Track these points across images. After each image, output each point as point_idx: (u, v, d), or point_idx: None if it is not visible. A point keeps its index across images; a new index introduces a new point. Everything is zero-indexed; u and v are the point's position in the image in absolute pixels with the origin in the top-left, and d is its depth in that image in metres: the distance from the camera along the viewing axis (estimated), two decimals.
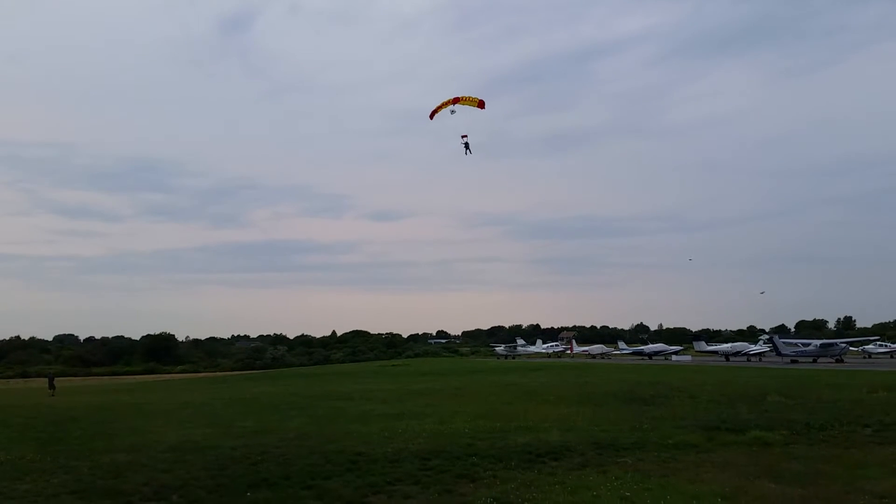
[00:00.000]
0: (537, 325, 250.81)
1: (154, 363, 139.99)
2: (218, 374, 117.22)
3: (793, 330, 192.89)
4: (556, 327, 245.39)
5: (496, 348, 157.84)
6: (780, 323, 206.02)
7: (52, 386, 60.22)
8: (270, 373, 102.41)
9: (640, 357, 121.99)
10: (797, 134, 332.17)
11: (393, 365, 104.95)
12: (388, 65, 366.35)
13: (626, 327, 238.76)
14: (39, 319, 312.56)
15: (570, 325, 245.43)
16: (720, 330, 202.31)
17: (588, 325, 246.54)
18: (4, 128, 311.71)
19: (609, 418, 24.65)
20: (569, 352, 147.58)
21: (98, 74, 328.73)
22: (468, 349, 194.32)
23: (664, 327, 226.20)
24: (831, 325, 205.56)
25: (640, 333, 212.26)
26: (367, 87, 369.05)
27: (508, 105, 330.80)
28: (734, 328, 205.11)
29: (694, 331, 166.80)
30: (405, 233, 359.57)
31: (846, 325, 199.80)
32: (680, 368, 71.60)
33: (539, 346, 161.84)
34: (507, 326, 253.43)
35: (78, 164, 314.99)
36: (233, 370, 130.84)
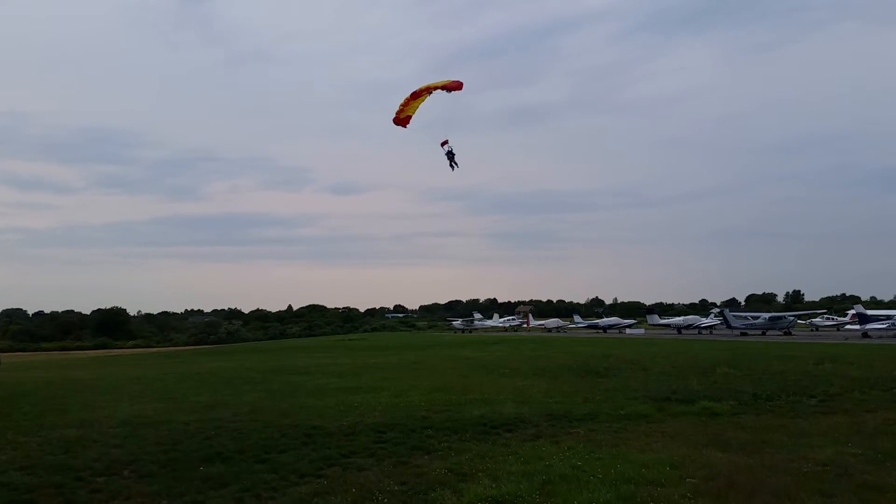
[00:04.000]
0: (494, 300, 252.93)
1: (105, 338, 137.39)
2: (171, 349, 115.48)
3: (743, 303, 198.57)
4: (513, 301, 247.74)
5: (453, 322, 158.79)
6: (730, 297, 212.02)
7: None
8: (225, 348, 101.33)
9: (595, 330, 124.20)
10: (755, 112, 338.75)
11: (350, 339, 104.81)
12: (350, 36, 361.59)
13: (582, 301, 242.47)
14: None
15: (527, 300, 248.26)
16: (673, 304, 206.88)
17: (545, 300, 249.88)
18: None
19: (563, 391, 25.03)
20: (525, 325, 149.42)
21: (52, 42, 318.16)
22: (425, 323, 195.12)
23: (619, 301, 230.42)
24: (780, 298, 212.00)
25: (595, 307, 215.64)
26: (330, 59, 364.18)
27: (472, 79, 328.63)
28: (687, 301, 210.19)
29: (648, 304, 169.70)
30: (365, 207, 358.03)
31: (795, 298, 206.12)
32: (633, 341, 73.10)
33: (496, 321, 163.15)
34: (464, 301, 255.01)
35: (30, 134, 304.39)
36: (186, 345, 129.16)
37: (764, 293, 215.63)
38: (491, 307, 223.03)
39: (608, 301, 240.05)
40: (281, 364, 47.25)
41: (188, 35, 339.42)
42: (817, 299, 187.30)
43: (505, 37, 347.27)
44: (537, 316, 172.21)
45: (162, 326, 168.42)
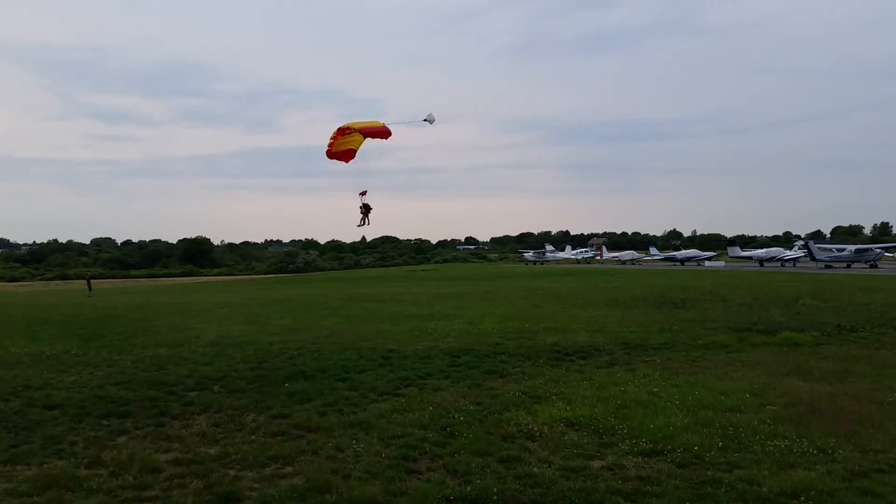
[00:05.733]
0: (567, 232, 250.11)
1: (191, 266, 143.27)
2: (253, 276, 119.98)
3: (828, 236, 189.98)
4: (585, 234, 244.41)
5: (525, 254, 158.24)
6: (815, 229, 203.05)
7: (90, 287, 62.04)
8: (302, 276, 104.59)
9: (673, 263, 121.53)
10: (846, 33, 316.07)
11: (422, 270, 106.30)
12: None
13: (659, 234, 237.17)
14: (77, 223, 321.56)
15: (601, 232, 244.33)
16: (755, 236, 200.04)
17: (619, 232, 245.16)
18: (37, 30, 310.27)
19: (638, 321, 24.78)
20: (598, 258, 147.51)
21: None
22: (496, 255, 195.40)
23: (698, 233, 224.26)
24: (867, 230, 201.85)
25: (672, 240, 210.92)
26: None
27: (548, 2, 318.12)
28: (770, 234, 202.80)
29: (729, 237, 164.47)
30: (438, 138, 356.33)
31: (883, 230, 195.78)
32: (712, 273, 71.37)
33: (568, 252, 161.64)
34: (536, 233, 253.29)
35: (113, 67, 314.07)
36: (266, 274, 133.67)
37: (850, 225, 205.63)
38: (563, 239, 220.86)
39: (686, 233, 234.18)
40: (357, 292, 48.49)
41: None
42: None
43: None
44: (611, 248, 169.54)
45: (244, 255, 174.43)
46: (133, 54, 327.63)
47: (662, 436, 9.59)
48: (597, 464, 8.78)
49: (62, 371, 16.04)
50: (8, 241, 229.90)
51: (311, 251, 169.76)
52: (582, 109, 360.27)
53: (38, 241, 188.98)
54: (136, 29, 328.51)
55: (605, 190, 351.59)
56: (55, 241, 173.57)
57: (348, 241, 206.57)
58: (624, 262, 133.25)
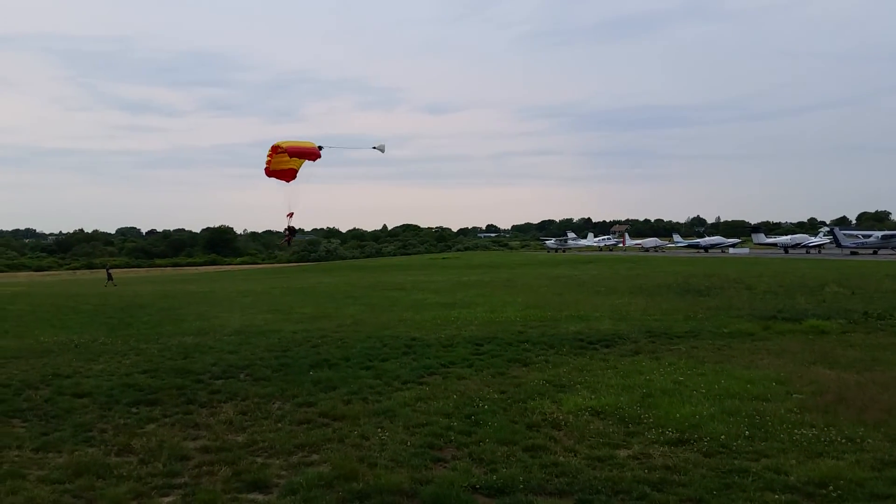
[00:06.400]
0: (589, 219, 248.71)
1: (214, 255, 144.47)
2: (275, 265, 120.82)
3: (854, 222, 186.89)
4: (608, 221, 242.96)
5: (546, 242, 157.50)
6: (841, 215, 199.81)
7: (109, 277, 62.13)
8: (324, 265, 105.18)
9: (696, 250, 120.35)
10: (870, 16, 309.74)
11: (443, 258, 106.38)
12: None
13: (682, 220, 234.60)
14: (102, 213, 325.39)
15: (624, 219, 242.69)
16: (780, 222, 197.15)
17: (642, 219, 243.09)
18: (62, 22, 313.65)
19: (662, 308, 24.63)
20: (621, 245, 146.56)
21: None
22: (518, 243, 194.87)
23: (722, 220, 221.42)
24: (894, 216, 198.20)
25: (696, 226, 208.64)
26: None
27: None
28: (794, 220, 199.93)
29: (753, 223, 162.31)
30: (458, 126, 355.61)
31: None
32: (737, 260, 70.68)
33: (590, 240, 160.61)
34: (557, 220, 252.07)
35: (137, 58, 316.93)
36: (289, 262, 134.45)
37: (877, 211, 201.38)
38: (585, 227, 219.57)
39: (710, 220, 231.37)
40: (378, 280, 48.69)
41: None
42: None
43: None
44: (634, 235, 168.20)
45: (266, 244, 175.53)
46: (157, 45, 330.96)
47: (689, 425, 9.54)
48: (623, 453, 8.76)
49: (90, 360, 16.29)
50: (35, 230, 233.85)
51: (332, 240, 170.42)
52: (604, 96, 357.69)
53: (64, 231, 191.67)
54: (159, 19, 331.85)
55: (627, 177, 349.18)
56: (81, 230, 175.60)
57: (370, 229, 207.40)
58: (647, 250, 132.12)
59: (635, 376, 13.04)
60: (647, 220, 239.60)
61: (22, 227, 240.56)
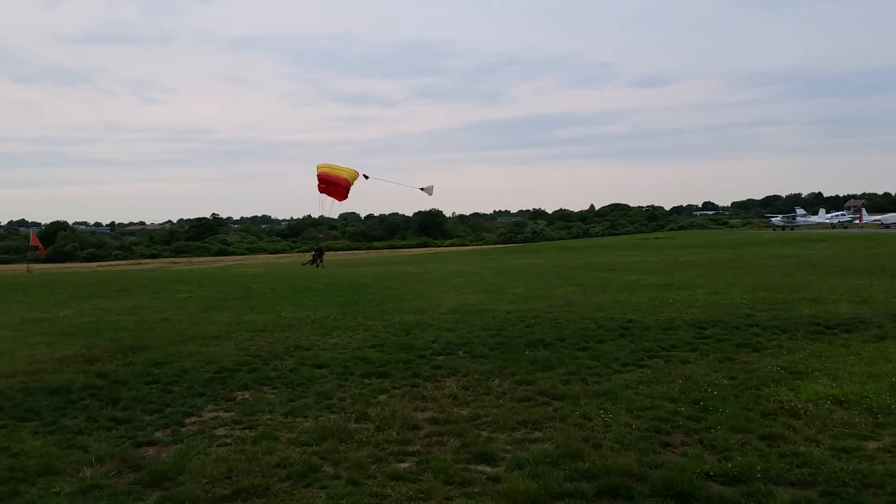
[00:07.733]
0: (819, 194, 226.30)
1: (426, 237, 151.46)
2: (483, 247, 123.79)
3: None
4: (841, 195, 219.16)
5: (772, 219, 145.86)
6: None
7: (314, 258, 59.52)
8: (531, 246, 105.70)
9: None
10: None
11: (655, 238, 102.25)
12: None
13: None
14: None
15: (859, 193, 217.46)
16: None
17: (881, 192, 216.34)
18: (291, 23, 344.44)
19: None
20: (857, 221, 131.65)
21: None
22: (739, 221, 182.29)
23: None
24: None
25: None
26: None
27: None
28: None
29: None
30: (670, 98, 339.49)
31: None
32: None
33: (822, 216, 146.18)
34: (783, 195, 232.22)
35: (357, 52, 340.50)
36: (496, 243, 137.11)
37: None
38: (815, 202, 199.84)
39: None
40: (588, 261, 47.96)
41: None
42: None
43: None
44: (872, 211, 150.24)
45: (474, 226, 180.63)
46: (372, 38, 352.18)
47: None
48: (872, 445, 8.02)
49: (325, 334, 17.70)
50: (269, 217, 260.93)
51: (538, 220, 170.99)
52: (830, 59, 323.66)
53: (294, 217, 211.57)
54: (375, 13, 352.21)
55: (861, 146, 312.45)
56: (309, 216, 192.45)
57: (576, 209, 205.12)
58: (888, 226, 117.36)
59: (882, 363, 11.76)
60: (887, 194, 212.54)
61: (259, 214, 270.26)
